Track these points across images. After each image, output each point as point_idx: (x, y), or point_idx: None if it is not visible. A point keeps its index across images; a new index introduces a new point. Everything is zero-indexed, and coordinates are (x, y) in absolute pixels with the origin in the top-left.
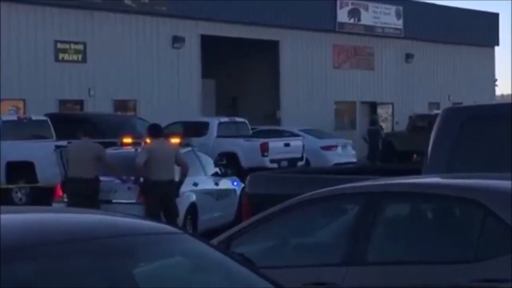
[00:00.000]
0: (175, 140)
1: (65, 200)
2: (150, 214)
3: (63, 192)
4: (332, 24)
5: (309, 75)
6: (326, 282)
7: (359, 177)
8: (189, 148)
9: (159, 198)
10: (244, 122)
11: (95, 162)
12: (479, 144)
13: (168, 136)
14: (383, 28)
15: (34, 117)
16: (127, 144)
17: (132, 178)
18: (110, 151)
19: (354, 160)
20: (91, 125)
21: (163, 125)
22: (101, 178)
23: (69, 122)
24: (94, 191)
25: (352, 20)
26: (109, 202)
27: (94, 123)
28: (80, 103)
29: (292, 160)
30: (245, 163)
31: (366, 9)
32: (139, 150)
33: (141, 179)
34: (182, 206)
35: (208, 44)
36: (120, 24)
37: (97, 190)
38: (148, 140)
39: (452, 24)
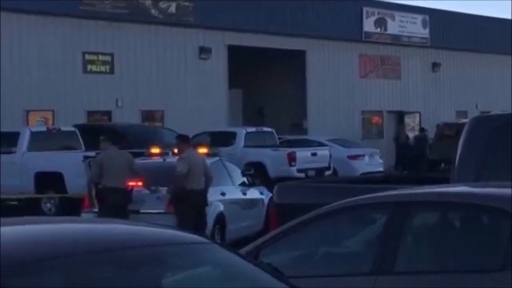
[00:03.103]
0: (202, 150)
1: (94, 210)
2: (184, 223)
3: (99, 202)
4: (359, 34)
5: (336, 84)
6: None
7: (386, 187)
8: (217, 158)
9: (193, 206)
10: (271, 132)
11: (128, 172)
12: (507, 153)
13: (195, 146)
14: (409, 37)
15: (63, 128)
16: (155, 155)
17: (162, 188)
18: (138, 161)
19: (382, 169)
20: (118, 135)
21: (190, 135)
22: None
23: (98, 133)
24: (127, 201)
25: (378, 30)
26: (137, 212)
27: (122, 133)
28: (108, 114)
29: (319, 170)
30: (272, 172)
31: (393, 18)
32: (167, 159)
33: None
34: (210, 215)
35: (235, 54)
36: (147, 35)
37: (129, 200)
38: (176, 150)
39: (479, 32)
